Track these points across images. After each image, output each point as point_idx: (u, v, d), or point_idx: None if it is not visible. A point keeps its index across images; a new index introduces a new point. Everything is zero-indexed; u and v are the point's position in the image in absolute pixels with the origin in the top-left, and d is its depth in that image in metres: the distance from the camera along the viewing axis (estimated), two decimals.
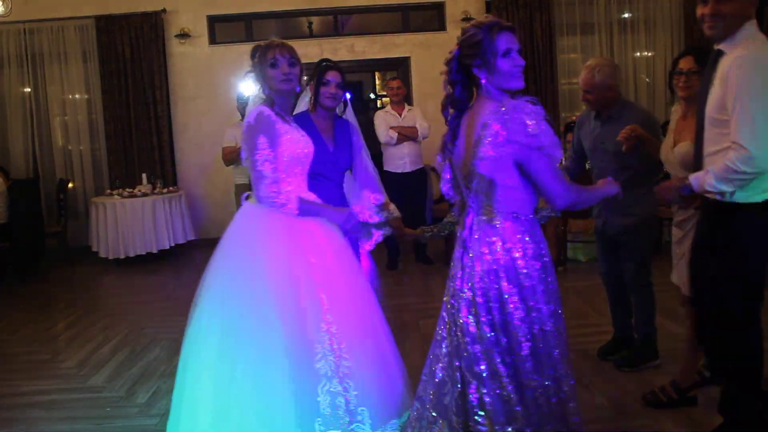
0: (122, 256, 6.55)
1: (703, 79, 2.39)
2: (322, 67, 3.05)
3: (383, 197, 3.10)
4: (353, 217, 2.42)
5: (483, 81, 2.00)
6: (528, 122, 1.88)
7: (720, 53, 2.28)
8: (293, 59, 2.41)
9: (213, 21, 7.55)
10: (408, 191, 5.79)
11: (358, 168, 3.12)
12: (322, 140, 3.02)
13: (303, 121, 3.04)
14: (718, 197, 2.24)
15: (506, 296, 1.97)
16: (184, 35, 7.37)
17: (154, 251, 6.59)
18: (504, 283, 1.98)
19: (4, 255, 6.13)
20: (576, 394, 2.05)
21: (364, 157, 3.15)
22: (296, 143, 2.40)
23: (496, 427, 1.93)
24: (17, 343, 4.41)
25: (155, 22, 7.34)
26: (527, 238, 2.00)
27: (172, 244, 6.73)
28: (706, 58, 2.74)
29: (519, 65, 1.97)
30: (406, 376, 2.51)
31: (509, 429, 1.93)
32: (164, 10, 7.38)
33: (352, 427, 2.17)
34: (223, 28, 7.65)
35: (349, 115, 3.19)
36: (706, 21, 2.26)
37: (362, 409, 2.19)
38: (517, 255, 1.98)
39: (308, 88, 3.12)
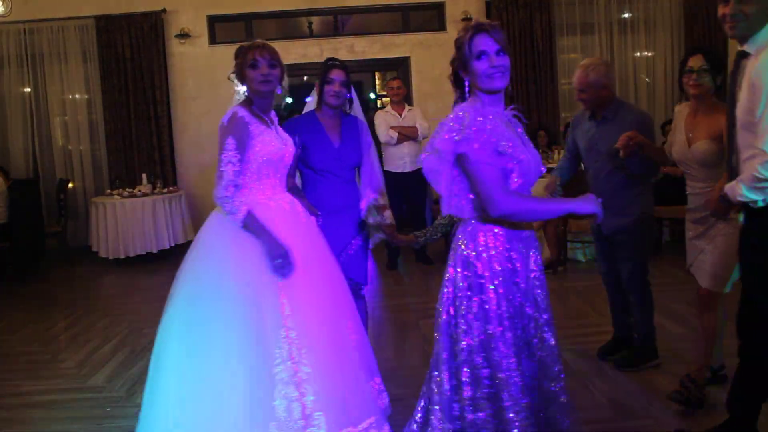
0: (122, 256, 6.55)
1: (731, 81, 2.36)
2: (326, 66, 3.09)
3: (377, 198, 3.13)
4: (282, 253, 2.28)
5: (466, 83, 2.01)
6: (457, 128, 1.89)
7: (744, 54, 2.26)
8: (274, 61, 2.42)
9: (213, 21, 7.56)
10: (408, 191, 5.80)
11: (363, 166, 3.16)
12: (327, 137, 3.06)
13: (308, 120, 3.11)
14: (750, 205, 2.22)
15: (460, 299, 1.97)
16: (184, 35, 7.37)
17: (154, 251, 6.60)
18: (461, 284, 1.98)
19: (4, 255, 6.12)
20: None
21: (371, 155, 3.18)
22: (270, 144, 2.40)
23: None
24: (17, 343, 4.41)
25: (155, 22, 7.34)
26: (490, 244, 1.96)
27: (172, 244, 6.73)
28: (715, 56, 2.77)
29: (497, 66, 1.92)
30: (376, 382, 2.56)
31: None
32: (164, 10, 7.38)
33: (307, 431, 2.19)
34: (223, 28, 7.65)
35: (357, 111, 3.21)
36: (728, 21, 2.23)
37: (318, 414, 2.21)
38: (473, 259, 1.96)
39: (315, 86, 3.15)
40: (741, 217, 2.41)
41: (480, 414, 1.92)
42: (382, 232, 3.19)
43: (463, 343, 1.93)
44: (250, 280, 2.27)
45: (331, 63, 3.10)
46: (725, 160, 2.46)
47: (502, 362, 1.90)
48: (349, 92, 3.11)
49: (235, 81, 2.48)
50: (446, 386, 1.98)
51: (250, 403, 2.16)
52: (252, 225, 2.30)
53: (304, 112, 3.23)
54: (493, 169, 1.88)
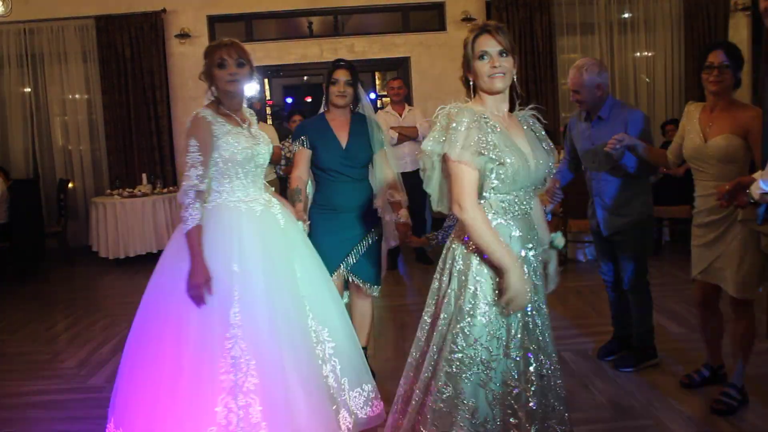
0: (122, 256, 6.55)
1: (765, 75, 2.31)
2: (331, 67, 3.13)
3: (400, 197, 3.15)
4: (199, 283, 2.22)
5: (471, 83, 2.02)
6: (437, 127, 1.93)
7: None
8: (241, 60, 2.39)
9: (213, 21, 7.55)
10: (408, 191, 5.76)
11: (376, 164, 3.18)
12: (335, 137, 3.08)
13: (317, 121, 3.15)
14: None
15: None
16: (184, 35, 7.37)
17: (154, 251, 6.58)
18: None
19: (4, 255, 6.12)
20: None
21: (385, 152, 3.19)
22: (237, 144, 2.36)
23: None
24: (17, 343, 4.41)
25: (155, 22, 7.34)
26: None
27: None
28: (735, 51, 2.72)
29: (497, 67, 1.92)
30: (364, 390, 2.54)
31: None
32: (164, 10, 7.38)
33: None
34: (223, 28, 7.64)
35: (367, 109, 3.23)
36: None
37: (264, 423, 2.19)
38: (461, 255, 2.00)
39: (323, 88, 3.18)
40: (758, 218, 2.32)
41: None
42: (395, 230, 3.20)
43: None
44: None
45: (335, 63, 3.14)
46: (763, 153, 2.31)
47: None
48: (356, 91, 3.14)
49: (203, 80, 2.45)
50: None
51: (191, 406, 2.17)
52: (191, 240, 2.25)
53: (286, 113, 3.29)
54: (469, 172, 1.87)
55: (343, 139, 3.09)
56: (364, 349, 3.37)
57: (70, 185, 7.47)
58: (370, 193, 3.18)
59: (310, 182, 3.19)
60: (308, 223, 2.84)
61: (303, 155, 3.08)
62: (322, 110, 3.20)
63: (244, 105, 2.56)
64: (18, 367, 3.93)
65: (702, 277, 2.84)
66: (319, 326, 2.47)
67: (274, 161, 5.53)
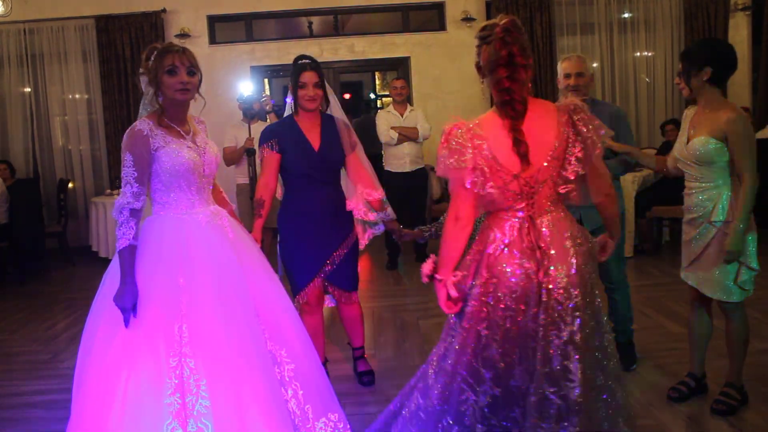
0: None
1: None
2: (297, 68, 2.97)
3: (378, 194, 3.08)
4: (126, 307, 2.08)
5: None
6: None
7: None
8: (193, 68, 2.23)
9: (213, 21, 7.56)
10: (408, 191, 5.80)
11: (350, 164, 3.07)
12: (306, 141, 2.98)
13: (287, 125, 3.02)
14: None
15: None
16: (184, 35, 7.37)
17: None
18: None
19: (4, 255, 6.12)
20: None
21: (357, 152, 3.09)
22: (177, 156, 2.20)
23: None
24: (17, 343, 4.41)
25: (155, 22, 7.34)
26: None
27: None
28: (690, 55, 2.72)
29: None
30: (330, 419, 2.34)
31: None
32: (164, 10, 7.39)
33: None
34: (223, 28, 7.65)
35: (336, 110, 3.12)
36: None
37: None
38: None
39: (290, 88, 3.05)
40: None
41: None
42: (383, 226, 3.16)
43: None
44: (146, 302, 2.11)
45: (301, 64, 2.98)
46: None
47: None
48: (325, 91, 3.01)
49: (144, 84, 2.28)
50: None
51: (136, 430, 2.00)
52: (124, 260, 2.09)
53: (284, 114, 3.15)
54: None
55: (315, 143, 2.98)
56: (362, 348, 3.38)
57: (70, 185, 7.47)
58: (342, 197, 3.08)
59: (278, 187, 3.10)
60: (260, 243, 2.68)
61: (272, 159, 2.95)
62: (288, 112, 3.08)
63: (193, 112, 2.43)
64: (18, 367, 3.93)
65: (691, 279, 2.82)
66: (275, 345, 2.27)
67: None
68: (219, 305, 2.14)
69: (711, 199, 2.64)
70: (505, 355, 1.89)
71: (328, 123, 3.06)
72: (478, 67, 2.01)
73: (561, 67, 3.34)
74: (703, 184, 2.68)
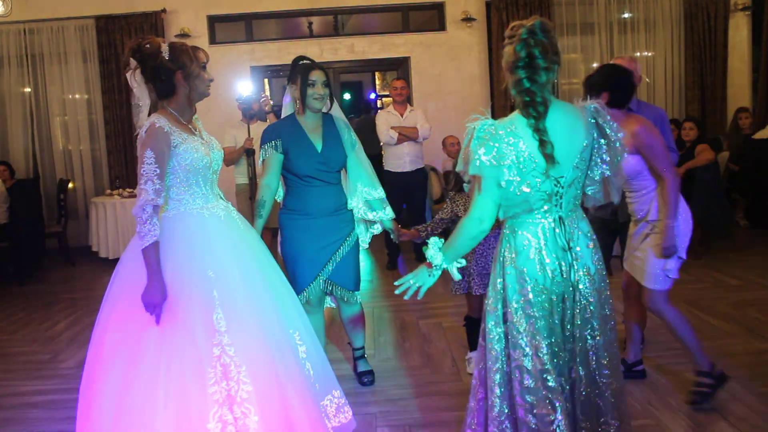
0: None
1: None
2: (304, 67, 2.95)
3: (378, 194, 3.08)
4: (158, 302, 2.10)
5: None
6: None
7: None
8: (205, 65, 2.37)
9: (213, 21, 7.56)
10: (408, 191, 5.80)
11: (350, 163, 3.07)
12: (310, 142, 2.98)
13: (289, 125, 3.00)
14: None
15: None
16: (184, 35, 7.36)
17: None
18: None
19: (4, 255, 6.12)
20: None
21: (357, 152, 3.09)
22: (195, 152, 2.25)
23: None
24: (17, 343, 4.41)
25: (155, 22, 7.34)
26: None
27: None
28: (591, 80, 2.87)
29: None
30: (334, 396, 2.44)
31: None
32: (164, 10, 7.39)
33: None
34: (223, 28, 7.65)
35: (336, 110, 3.12)
36: None
37: None
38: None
39: (289, 89, 3.04)
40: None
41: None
42: (383, 228, 3.16)
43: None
44: (180, 296, 2.13)
45: (307, 63, 2.97)
46: None
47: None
48: (331, 90, 3.01)
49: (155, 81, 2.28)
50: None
51: (183, 426, 2.01)
52: (151, 257, 2.11)
53: (282, 114, 3.12)
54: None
55: (318, 143, 2.97)
56: (362, 349, 3.38)
57: (70, 185, 7.47)
58: (344, 196, 3.08)
59: (279, 188, 3.09)
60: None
61: (275, 160, 2.94)
62: (287, 112, 3.07)
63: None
64: (18, 367, 3.93)
65: (629, 269, 3.00)
66: (291, 329, 2.37)
67: None
68: (248, 294, 2.21)
69: (647, 203, 2.83)
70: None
71: (329, 123, 3.05)
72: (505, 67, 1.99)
73: None
74: (638, 193, 2.85)
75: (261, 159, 3.00)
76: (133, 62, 2.25)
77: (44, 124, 7.67)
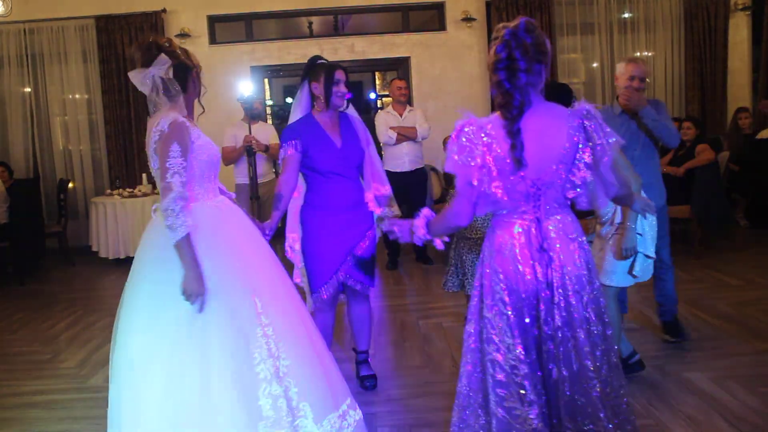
0: (122, 256, 6.55)
1: None
2: (329, 66, 3.07)
3: (387, 190, 3.16)
4: (200, 291, 2.13)
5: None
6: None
7: None
8: None
9: (213, 21, 7.56)
10: (407, 191, 5.79)
11: (366, 161, 3.16)
12: (329, 138, 3.05)
13: (308, 123, 3.09)
14: None
15: None
16: (184, 35, 7.37)
17: None
18: None
19: (4, 255, 6.12)
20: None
21: (371, 149, 3.19)
22: (210, 147, 2.34)
23: None
24: (17, 343, 4.41)
25: (155, 22, 7.34)
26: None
27: None
28: None
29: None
30: (337, 369, 2.54)
31: None
32: (164, 10, 7.39)
33: (296, 423, 2.19)
34: (223, 28, 7.65)
35: (350, 109, 3.21)
36: None
37: (304, 404, 2.22)
38: None
39: (305, 88, 3.10)
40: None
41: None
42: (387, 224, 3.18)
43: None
44: (220, 283, 2.19)
45: (332, 63, 3.09)
46: None
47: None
48: (349, 90, 3.12)
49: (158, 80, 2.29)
50: None
51: (238, 407, 2.10)
52: (186, 248, 2.13)
53: (293, 113, 3.18)
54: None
55: (337, 140, 3.06)
56: (366, 353, 3.37)
57: (70, 185, 7.47)
58: (363, 192, 3.16)
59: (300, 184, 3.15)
60: (269, 234, 2.76)
61: (294, 159, 3.02)
62: (303, 111, 3.13)
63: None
64: (18, 367, 3.93)
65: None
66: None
67: (275, 158, 5.50)
68: (273, 277, 2.37)
69: (611, 207, 2.94)
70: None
71: (345, 120, 3.15)
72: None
73: (625, 69, 3.43)
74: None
75: (281, 158, 3.08)
76: (163, 58, 2.26)
77: (44, 124, 7.67)
